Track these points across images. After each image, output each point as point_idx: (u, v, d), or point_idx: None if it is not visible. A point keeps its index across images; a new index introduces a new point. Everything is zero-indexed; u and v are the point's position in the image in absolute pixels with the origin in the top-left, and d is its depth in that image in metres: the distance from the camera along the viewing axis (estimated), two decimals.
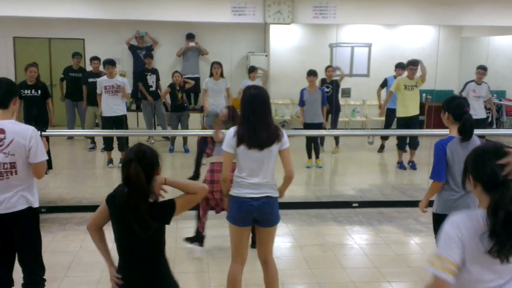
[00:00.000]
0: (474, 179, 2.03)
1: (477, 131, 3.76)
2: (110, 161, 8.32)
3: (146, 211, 2.42)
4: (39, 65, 8.64)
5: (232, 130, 3.48)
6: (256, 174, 3.42)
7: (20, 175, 3.27)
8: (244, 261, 3.59)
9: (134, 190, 2.40)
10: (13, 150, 3.20)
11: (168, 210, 2.55)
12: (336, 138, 9.54)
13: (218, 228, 5.24)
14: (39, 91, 7.88)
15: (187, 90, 9.82)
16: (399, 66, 9.08)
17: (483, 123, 8.42)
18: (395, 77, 9.08)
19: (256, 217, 3.49)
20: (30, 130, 3.28)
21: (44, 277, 3.56)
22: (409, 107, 8.24)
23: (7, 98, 3.30)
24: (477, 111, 8.37)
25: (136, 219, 2.41)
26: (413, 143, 8.45)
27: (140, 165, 2.41)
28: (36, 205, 3.41)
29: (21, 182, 3.29)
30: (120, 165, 2.57)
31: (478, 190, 2.03)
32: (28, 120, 6.99)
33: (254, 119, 3.39)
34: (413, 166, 8.46)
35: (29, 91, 7.83)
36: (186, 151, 9.43)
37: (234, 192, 3.50)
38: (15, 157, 3.22)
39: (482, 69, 8.61)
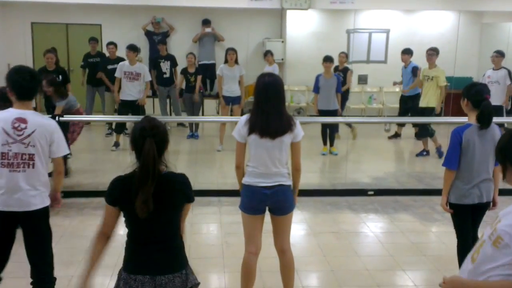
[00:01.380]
0: None
1: (496, 119, 3.70)
2: (116, 143, 8.46)
3: (152, 186, 2.37)
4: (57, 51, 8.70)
5: (244, 118, 3.45)
6: (268, 164, 3.39)
7: (37, 169, 3.20)
8: (258, 250, 3.57)
9: (146, 165, 2.37)
10: (33, 141, 3.15)
11: (191, 189, 2.56)
12: (349, 124, 9.47)
13: (233, 214, 5.26)
14: (60, 77, 7.97)
15: (202, 76, 9.81)
16: (403, 52, 8.96)
17: (499, 111, 8.18)
18: (404, 66, 8.97)
19: (269, 206, 3.48)
20: (53, 123, 3.28)
21: (54, 275, 3.49)
22: (424, 97, 8.18)
23: (35, 91, 3.30)
24: (492, 97, 8.17)
25: (142, 195, 2.36)
26: (420, 132, 8.34)
27: (154, 140, 2.39)
28: (49, 202, 3.35)
29: (38, 177, 3.22)
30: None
31: None
32: (48, 105, 7.06)
33: (268, 107, 3.35)
34: (421, 153, 8.37)
35: None
36: (195, 136, 9.44)
37: (246, 180, 3.48)
38: (35, 149, 3.17)
39: (497, 53, 8.37)
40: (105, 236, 2.57)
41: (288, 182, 3.50)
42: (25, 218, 3.23)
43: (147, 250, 2.49)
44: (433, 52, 8.05)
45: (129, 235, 2.55)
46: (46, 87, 6.43)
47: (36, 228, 3.30)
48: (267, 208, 3.51)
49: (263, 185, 3.41)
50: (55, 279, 3.48)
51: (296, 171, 3.52)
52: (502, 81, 8.37)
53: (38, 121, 3.20)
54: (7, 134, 3.14)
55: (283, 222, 3.55)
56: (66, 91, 6.66)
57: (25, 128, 3.15)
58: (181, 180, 2.54)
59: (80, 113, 6.93)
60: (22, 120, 3.15)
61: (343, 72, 9.09)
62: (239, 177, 3.55)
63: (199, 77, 9.31)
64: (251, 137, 3.38)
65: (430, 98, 8.07)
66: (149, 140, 2.38)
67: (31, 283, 3.40)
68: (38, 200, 3.25)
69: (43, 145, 3.20)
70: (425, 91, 8.18)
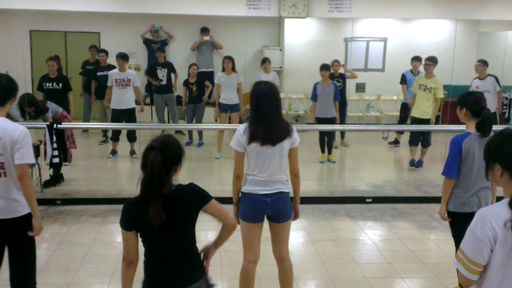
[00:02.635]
0: (502, 166, 1.97)
1: (495, 127, 3.70)
2: (113, 151, 8.48)
3: (158, 201, 2.38)
4: None
5: (242, 127, 3.43)
6: (268, 171, 3.40)
7: (9, 177, 3.12)
8: (256, 258, 3.56)
9: (149, 178, 2.37)
10: (1, 149, 3.07)
11: (202, 192, 2.56)
12: (342, 132, 9.48)
13: None
14: (61, 84, 7.99)
15: (202, 84, 9.83)
16: (415, 59, 8.94)
17: (494, 119, 8.19)
18: (411, 71, 8.97)
19: (269, 214, 3.48)
20: (19, 129, 3.14)
21: (36, 282, 3.42)
22: (421, 108, 8.00)
23: (6, 96, 3.19)
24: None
25: (151, 206, 2.37)
26: (424, 141, 8.28)
27: (161, 155, 2.38)
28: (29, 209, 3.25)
29: (13, 185, 3.14)
30: (128, 157, 2.50)
31: (505, 178, 1.97)
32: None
33: (268, 114, 3.35)
34: (419, 164, 8.28)
35: (50, 84, 7.95)
36: (200, 144, 9.45)
37: (246, 189, 3.47)
38: (3, 158, 3.08)
39: (479, 62, 8.41)
40: (131, 263, 2.51)
41: (287, 189, 3.50)
42: (8, 225, 3.16)
43: (166, 266, 2.49)
44: (430, 62, 7.96)
45: (146, 253, 2.54)
46: (27, 109, 6.40)
47: (18, 234, 3.22)
48: (265, 216, 3.51)
49: (264, 192, 3.40)
50: (35, 283, 3.41)
51: (295, 176, 3.52)
52: (492, 89, 8.39)
53: (4, 128, 3.10)
54: None
55: (282, 229, 3.54)
56: (45, 105, 6.61)
57: None
58: (189, 191, 2.54)
59: (64, 116, 6.91)
60: None
61: (341, 79, 9.10)
62: (236, 187, 3.52)
63: (206, 82, 9.46)
64: (251, 146, 3.38)
65: (426, 108, 7.98)
66: (155, 152, 2.37)
67: (11, 286, 3.33)
68: (18, 207, 3.17)
69: (9, 152, 3.09)
70: (420, 100, 8.01)
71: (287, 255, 3.61)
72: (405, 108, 9.02)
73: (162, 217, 2.38)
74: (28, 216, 3.21)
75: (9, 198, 3.14)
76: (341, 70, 9.24)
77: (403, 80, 9.10)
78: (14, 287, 3.32)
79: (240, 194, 3.53)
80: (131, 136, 8.38)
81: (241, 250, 3.60)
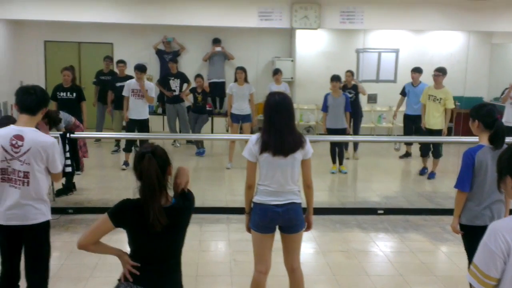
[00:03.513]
0: None
1: (508, 139, 3.67)
2: (126, 163, 8.48)
3: (159, 204, 2.40)
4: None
5: (254, 137, 3.45)
6: (281, 181, 3.40)
7: (32, 186, 3.23)
8: (268, 269, 3.55)
9: (148, 183, 2.38)
10: (28, 159, 3.18)
11: (194, 199, 2.60)
12: (355, 144, 9.45)
13: (242, 232, 5.22)
14: (74, 94, 8.06)
15: (211, 94, 9.92)
16: (415, 70, 8.87)
17: None
18: (412, 84, 8.90)
19: (280, 224, 3.47)
20: (50, 140, 3.28)
21: None
22: (430, 119, 7.99)
23: (39, 106, 3.31)
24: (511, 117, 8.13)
25: (151, 212, 2.38)
26: (435, 152, 8.21)
27: (155, 158, 2.41)
28: (49, 217, 3.39)
29: (35, 194, 3.25)
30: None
31: None
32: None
33: (281, 125, 3.37)
34: (430, 176, 8.24)
35: (64, 94, 8.04)
36: (197, 153, 9.44)
37: (257, 199, 3.47)
38: (30, 167, 3.19)
39: None
40: (84, 247, 2.63)
41: (299, 200, 3.49)
42: (25, 232, 3.29)
43: (148, 267, 2.50)
44: (439, 73, 7.94)
45: (132, 255, 2.55)
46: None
47: (34, 241, 3.34)
48: (277, 226, 3.50)
49: (275, 203, 3.40)
50: (47, 277, 3.50)
51: (308, 188, 3.52)
52: None
53: (34, 139, 3.21)
54: (6, 151, 3.18)
55: (293, 240, 3.53)
56: (57, 115, 6.66)
57: (22, 145, 3.18)
58: (187, 206, 2.56)
59: (77, 126, 6.95)
60: (20, 138, 3.18)
61: (354, 90, 9.08)
62: (248, 197, 3.54)
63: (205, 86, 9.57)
64: (263, 156, 3.38)
65: (437, 119, 7.96)
66: (148, 156, 2.40)
67: (26, 279, 3.43)
68: (37, 215, 3.29)
69: (38, 162, 3.21)
70: (430, 112, 7.99)
71: (298, 266, 3.60)
72: (408, 120, 8.94)
73: (163, 221, 2.39)
74: (45, 224, 3.34)
75: (29, 205, 3.25)
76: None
77: (403, 91, 9.12)
78: (29, 280, 3.41)
79: (252, 204, 3.53)
80: (128, 147, 8.42)
81: (251, 260, 3.60)
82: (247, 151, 3.46)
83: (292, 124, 3.43)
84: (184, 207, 2.54)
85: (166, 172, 2.49)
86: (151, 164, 2.38)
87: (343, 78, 8.70)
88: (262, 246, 3.51)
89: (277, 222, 3.45)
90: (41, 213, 3.30)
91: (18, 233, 3.30)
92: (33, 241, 3.33)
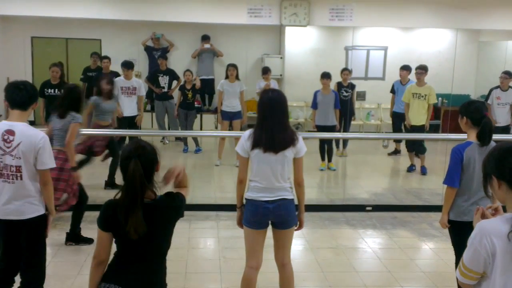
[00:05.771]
0: (498, 178, 1.97)
1: (495, 137, 3.70)
2: None
3: (139, 210, 2.33)
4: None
5: (247, 133, 3.47)
6: (270, 178, 3.41)
7: (25, 180, 3.26)
8: (259, 265, 3.56)
9: (131, 188, 2.32)
10: (19, 153, 3.21)
11: (182, 200, 2.55)
12: (345, 141, 9.49)
13: (231, 229, 5.24)
14: (62, 91, 7.91)
15: (201, 91, 9.85)
16: (403, 68, 8.94)
17: (506, 131, 8.05)
18: (401, 82, 8.95)
19: (272, 220, 3.48)
20: (40, 135, 3.30)
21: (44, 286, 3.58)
22: (414, 116, 8.11)
23: (30, 101, 3.35)
24: (501, 118, 8.12)
25: (131, 218, 2.31)
26: (419, 148, 8.29)
27: (140, 161, 2.34)
28: (43, 211, 3.40)
29: (29, 188, 3.28)
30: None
31: (503, 190, 1.97)
32: (48, 118, 7.06)
33: (273, 122, 3.38)
34: (423, 171, 8.31)
35: (52, 90, 7.92)
36: (197, 151, 9.43)
37: (249, 195, 3.49)
38: (21, 161, 3.22)
39: (506, 74, 8.26)
40: (101, 264, 2.47)
41: (291, 196, 3.50)
42: (22, 227, 3.32)
43: (132, 267, 2.45)
44: (422, 71, 8.06)
45: (117, 253, 2.51)
46: (105, 85, 6.94)
47: (29, 236, 3.37)
48: (269, 223, 3.51)
49: (266, 199, 3.42)
50: (44, 273, 3.56)
51: (299, 186, 3.54)
52: (510, 102, 8.29)
53: (25, 133, 3.24)
54: None
55: (285, 236, 3.55)
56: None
57: (13, 140, 3.21)
58: (171, 205, 2.50)
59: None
60: (11, 132, 3.22)
61: (350, 88, 9.09)
62: (240, 192, 3.56)
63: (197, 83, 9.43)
64: (254, 152, 3.40)
65: (422, 116, 8.08)
66: (134, 161, 2.32)
67: (20, 276, 3.49)
68: (31, 209, 3.32)
69: (28, 157, 3.23)
70: (415, 109, 8.09)
71: (288, 261, 3.62)
72: (396, 117, 9.00)
73: (140, 230, 2.33)
74: (40, 218, 3.36)
75: (24, 200, 3.29)
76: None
77: (393, 89, 9.17)
78: (23, 276, 3.46)
79: (244, 200, 3.54)
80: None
81: (240, 257, 3.60)
82: (240, 146, 3.47)
83: (285, 121, 3.44)
84: (167, 206, 2.48)
85: (153, 172, 2.43)
86: (136, 170, 2.32)
87: (336, 76, 8.71)
88: (254, 242, 3.52)
89: (268, 218, 3.46)
90: (36, 207, 3.34)
91: (16, 228, 3.33)
92: (29, 236, 3.37)
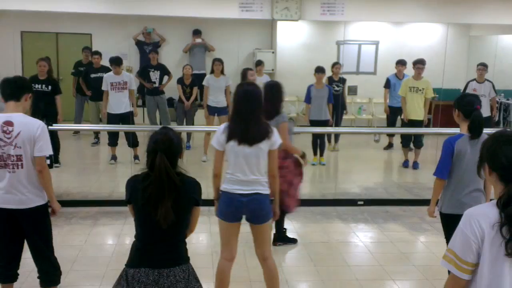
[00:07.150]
0: (490, 167, 2.00)
1: (486, 130, 3.73)
2: (113, 157, 8.23)
3: (169, 201, 2.47)
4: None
5: (222, 126, 3.51)
6: (245, 171, 3.43)
7: (26, 169, 3.32)
8: (233, 257, 3.61)
9: (160, 180, 2.46)
10: (19, 143, 3.27)
11: (198, 189, 2.69)
12: (336, 136, 9.51)
13: None
14: (50, 87, 7.75)
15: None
16: (399, 63, 8.98)
17: (487, 122, 8.21)
18: (396, 75, 8.99)
19: (245, 214, 3.50)
20: (38, 123, 3.37)
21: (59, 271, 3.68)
22: (411, 110, 8.11)
23: (20, 91, 3.41)
24: (482, 109, 8.19)
25: (160, 208, 2.46)
26: (416, 142, 8.33)
27: (166, 154, 2.48)
28: (46, 199, 3.47)
29: (29, 177, 3.34)
30: (129, 162, 2.62)
31: (493, 178, 1.99)
32: (35, 114, 6.97)
33: (247, 115, 3.40)
34: (415, 166, 8.35)
35: (39, 86, 7.76)
36: (187, 147, 9.37)
37: (224, 187, 3.53)
38: (22, 150, 3.29)
39: (482, 65, 8.36)
40: None
41: (266, 191, 3.51)
42: (23, 216, 3.37)
43: (154, 248, 2.57)
44: (423, 66, 8.06)
45: (137, 235, 2.62)
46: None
47: (34, 225, 3.42)
48: (244, 216, 3.52)
49: (240, 192, 3.44)
50: (60, 272, 3.65)
51: (272, 178, 3.55)
52: (487, 94, 8.43)
53: (23, 122, 3.32)
54: None
55: (261, 231, 3.58)
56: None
57: (12, 130, 3.27)
58: (191, 185, 2.65)
59: None
60: (9, 123, 3.29)
61: (341, 83, 9.10)
62: (216, 185, 3.60)
63: (195, 88, 9.29)
64: (229, 144, 3.42)
65: (420, 110, 8.09)
66: (160, 155, 2.47)
67: (38, 277, 3.59)
68: (33, 198, 3.37)
69: (28, 146, 3.30)
70: (413, 103, 8.10)
71: (269, 255, 3.64)
72: (392, 112, 9.03)
73: (169, 219, 2.47)
74: (43, 207, 3.43)
75: (26, 189, 3.34)
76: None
77: (387, 84, 9.15)
78: (40, 270, 3.56)
79: (220, 192, 3.57)
80: (134, 141, 8.05)
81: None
82: (215, 139, 3.50)
83: (258, 114, 3.45)
84: (186, 185, 2.60)
85: (177, 160, 2.59)
86: (162, 163, 2.47)
87: (327, 70, 8.71)
88: (227, 233, 3.56)
89: (241, 211, 3.49)
90: (37, 196, 3.39)
91: (16, 218, 3.36)
92: (33, 226, 3.41)
